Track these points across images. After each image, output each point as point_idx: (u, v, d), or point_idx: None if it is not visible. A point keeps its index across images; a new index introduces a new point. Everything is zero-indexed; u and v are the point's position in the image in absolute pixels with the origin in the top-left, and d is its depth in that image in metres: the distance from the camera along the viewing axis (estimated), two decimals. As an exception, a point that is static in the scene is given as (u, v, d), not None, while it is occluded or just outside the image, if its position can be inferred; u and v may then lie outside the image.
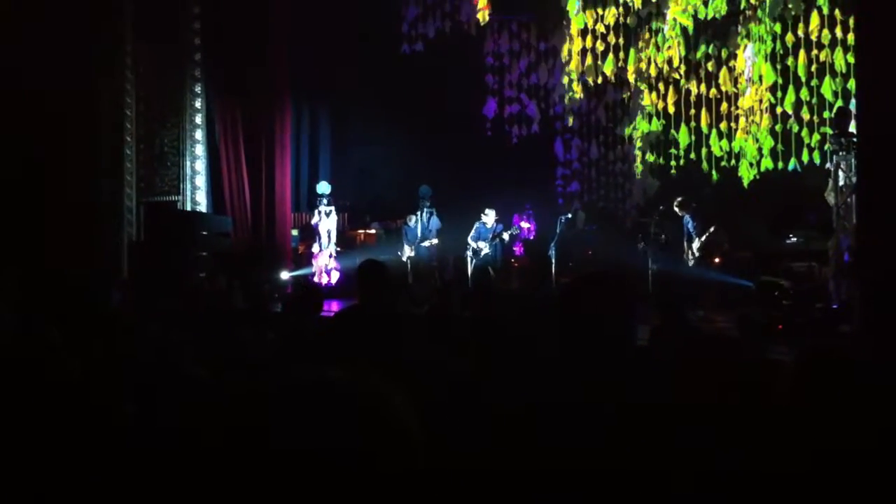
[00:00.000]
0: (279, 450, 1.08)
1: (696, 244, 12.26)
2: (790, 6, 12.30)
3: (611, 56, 13.15)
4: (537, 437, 2.23)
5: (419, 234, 14.22)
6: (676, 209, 12.58)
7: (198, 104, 13.96)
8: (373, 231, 16.05)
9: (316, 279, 13.57)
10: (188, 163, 13.78)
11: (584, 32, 13.40)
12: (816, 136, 12.52)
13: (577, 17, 12.91)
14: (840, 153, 10.35)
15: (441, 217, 14.38)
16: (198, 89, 13.99)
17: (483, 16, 13.29)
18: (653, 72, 14.00)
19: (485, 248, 13.65)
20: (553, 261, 13.38)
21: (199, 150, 13.95)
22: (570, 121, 15.23)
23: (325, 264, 13.89)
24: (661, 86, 14.25)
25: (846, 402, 2.89)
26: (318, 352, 4.59)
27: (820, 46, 12.40)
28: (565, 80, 13.78)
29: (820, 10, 12.08)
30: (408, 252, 14.18)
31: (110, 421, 2.63)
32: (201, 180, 13.98)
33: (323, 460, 1.09)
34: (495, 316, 5.90)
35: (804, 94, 12.64)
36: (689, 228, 12.45)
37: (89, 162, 11.73)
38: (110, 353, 3.80)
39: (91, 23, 11.48)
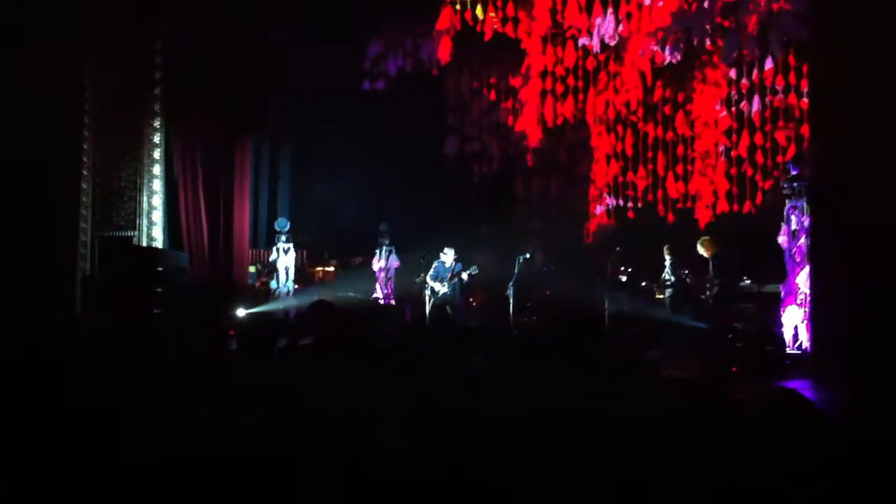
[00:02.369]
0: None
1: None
2: (745, 52, 12.57)
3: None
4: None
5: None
6: (703, 250, 12.15)
7: (156, 139, 13.86)
8: (332, 268, 15.97)
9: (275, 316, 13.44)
10: (145, 197, 13.65)
11: (543, 74, 13.59)
12: (770, 180, 12.75)
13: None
14: (793, 197, 10.54)
15: (399, 255, 14.41)
16: (157, 123, 13.89)
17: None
18: (611, 114, 14.21)
19: (443, 287, 13.62)
20: (511, 300, 13.39)
21: (157, 184, 13.83)
22: (530, 160, 15.36)
23: (283, 301, 13.77)
24: (619, 128, 14.47)
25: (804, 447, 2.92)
26: (284, 387, 4.54)
27: (774, 92, 12.68)
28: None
29: (774, 55, 12.36)
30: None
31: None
32: (158, 215, 13.85)
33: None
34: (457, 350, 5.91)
35: (759, 138, 12.90)
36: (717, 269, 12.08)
37: (44, 194, 11.56)
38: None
39: (49, 53, 11.38)
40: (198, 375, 5.19)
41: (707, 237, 12.11)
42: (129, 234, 13.52)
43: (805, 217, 10.14)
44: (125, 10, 12.70)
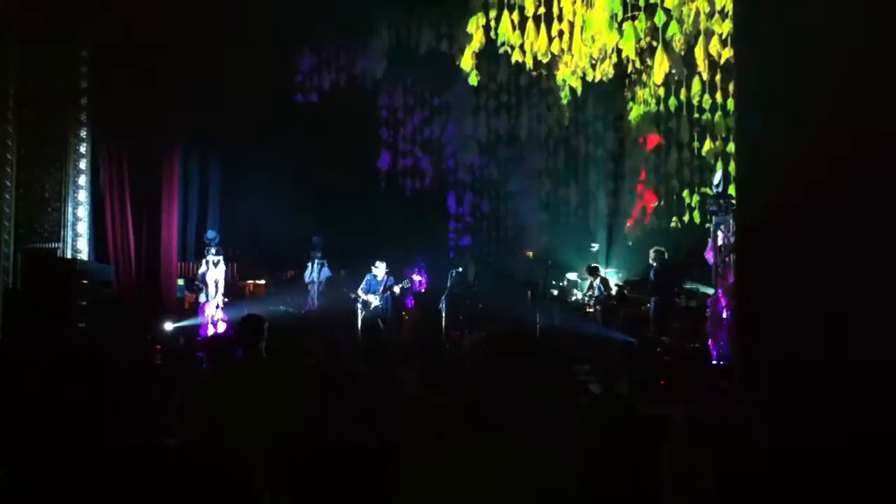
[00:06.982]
0: None
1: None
2: (673, 71, 12.80)
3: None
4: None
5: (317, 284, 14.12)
6: (653, 258, 12.31)
7: (83, 149, 13.55)
8: (262, 282, 15.78)
9: (203, 331, 13.22)
10: (70, 209, 13.32)
11: (477, 90, 13.68)
12: (697, 197, 12.99)
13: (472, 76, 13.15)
14: (719, 214, 10.73)
15: (332, 268, 14.31)
16: (83, 133, 13.58)
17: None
18: (543, 130, 14.37)
19: (375, 300, 13.58)
20: (444, 314, 13.40)
21: (83, 195, 13.51)
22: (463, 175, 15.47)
23: (213, 315, 13.53)
24: (550, 144, 14.65)
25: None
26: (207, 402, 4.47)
27: (701, 110, 12.94)
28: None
29: (701, 75, 12.61)
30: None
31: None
32: (83, 227, 13.51)
33: None
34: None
35: (686, 155, 13.14)
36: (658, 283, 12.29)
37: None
38: None
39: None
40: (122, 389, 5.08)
41: (661, 248, 12.24)
42: (54, 245, 13.17)
43: (731, 234, 10.33)
44: (50, 19, 12.44)
